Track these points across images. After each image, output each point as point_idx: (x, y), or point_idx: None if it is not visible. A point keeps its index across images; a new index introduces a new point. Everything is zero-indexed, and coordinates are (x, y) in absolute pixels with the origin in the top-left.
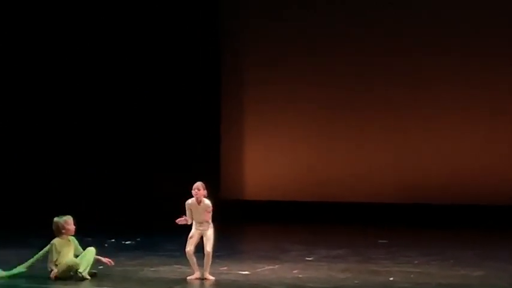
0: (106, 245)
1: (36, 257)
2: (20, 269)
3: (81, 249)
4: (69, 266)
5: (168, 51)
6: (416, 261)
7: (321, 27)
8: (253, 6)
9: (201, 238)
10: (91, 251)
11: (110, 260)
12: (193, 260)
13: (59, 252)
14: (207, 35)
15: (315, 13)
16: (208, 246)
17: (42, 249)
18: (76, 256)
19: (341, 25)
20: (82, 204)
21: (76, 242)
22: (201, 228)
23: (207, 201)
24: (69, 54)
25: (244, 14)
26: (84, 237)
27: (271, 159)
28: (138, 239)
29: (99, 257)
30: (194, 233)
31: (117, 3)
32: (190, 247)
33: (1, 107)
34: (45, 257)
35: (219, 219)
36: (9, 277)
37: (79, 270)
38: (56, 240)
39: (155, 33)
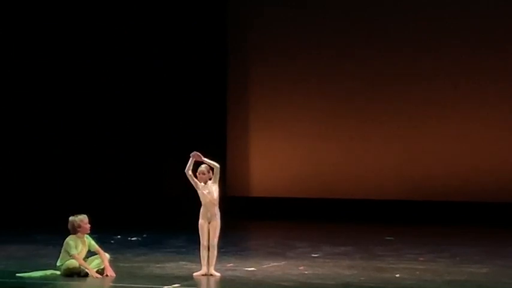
0: (112, 241)
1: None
2: (52, 271)
3: (97, 246)
4: (70, 269)
5: (175, 50)
6: (422, 258)
7: (328, 24)
8: (260, 4)
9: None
10: (104, 257)
11: (111, 274)
12: (205, 255)
13: (76, 248)
14: (214, 34)
15: (321, 11)
16: (214, 239)
17: (48, 244)
18: (90, 252)
19: (348, 22)
20: (88, 201)
21: (90, 238)
22: (209, 214)
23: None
24: (77, 54)
25: (252, 11)
26: (90, 234)
27: (276, 156)
28: (144, 236)
29: (107, 266)
30: (203, 224)
31: (127, 2)
32: (205, 242)
33: (10, 106)
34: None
35: (225, 216)
36: (41, 277)
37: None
38: (72, 237)
39: (162, 33)
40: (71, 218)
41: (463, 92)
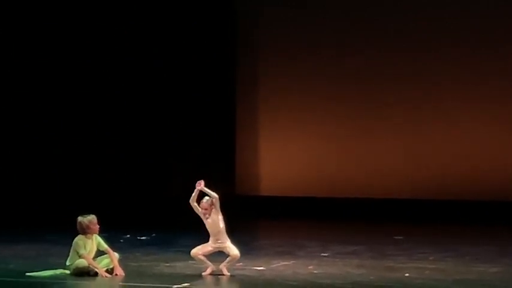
0: (121, 240)
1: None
2: (61, 270)
3: (106, 245)
4: (79, 268)
5: (184, 48)
6: (431, 258)
7: (336, 24)
8: (266, 4)
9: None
10: (113, 256)
11: (120, 273)
12: (200, 258)
13: (85, 248)
14: (223, 31)
15: (329, 10)
16: (236, 251)
17: (57, 244)
18: (99, 251)
19: (356, 22)
20: (97, 200)
21: (99, 238)
22: (218, 242)
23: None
24: (78, 54)
25: (260, 10)
26: (99, 233)
27: (286, 155)
28: (154, 235)
29: (117, 265)
30: (209, 244)
31: (137, 2)
32: (196, 251)
33: (10, 106)
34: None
35: (234, 215)
36: (51, 276)
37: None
38: (81, 237)
39: (172, 32)
40: (79, 219)
41: (467, 90)
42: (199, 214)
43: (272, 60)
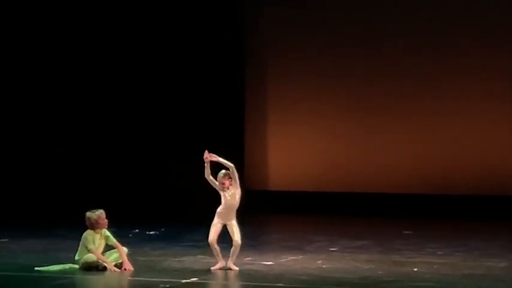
0: (130, 235)
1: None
2: (70, 265)
3: (114, 240)
4: (88, 263)
5: (194, 42)
6: (440, 252)
7: (343, 17)
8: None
9: (224, 227)
10: (122, 251)
11: (129, 268)
12: (216, 249)
13: (94, 242)
14: (232, 26)
15: (337, 3)
16: (238, 236)
17: (66, 238)
18: (108, 246)
19: (364, 15)
20: (107, 195)
21: (108, 233)
22: (226, 217)
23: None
24: (78, 54)
25: (268, 5)
26: (108, 228)
27: (295, 150)
28: (162, 230)
29: (126, 260)
30: (217, 222)
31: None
32: (213, 236)
33: (10, 106)
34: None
35: (243, 209)
36: (60, 271)
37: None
38: (89, 232)
39: (176, 32)
40: (88, 214)
41: (487, 85)
42: (216, 188)
43: (281, 55)
